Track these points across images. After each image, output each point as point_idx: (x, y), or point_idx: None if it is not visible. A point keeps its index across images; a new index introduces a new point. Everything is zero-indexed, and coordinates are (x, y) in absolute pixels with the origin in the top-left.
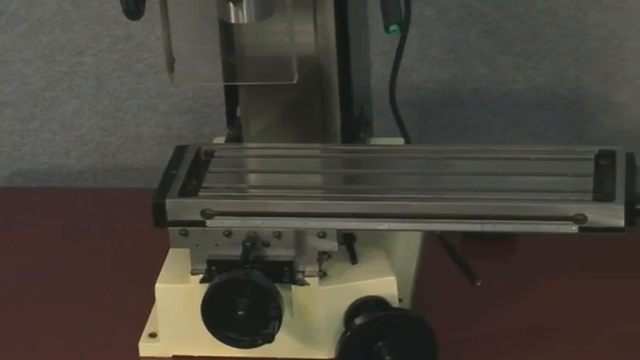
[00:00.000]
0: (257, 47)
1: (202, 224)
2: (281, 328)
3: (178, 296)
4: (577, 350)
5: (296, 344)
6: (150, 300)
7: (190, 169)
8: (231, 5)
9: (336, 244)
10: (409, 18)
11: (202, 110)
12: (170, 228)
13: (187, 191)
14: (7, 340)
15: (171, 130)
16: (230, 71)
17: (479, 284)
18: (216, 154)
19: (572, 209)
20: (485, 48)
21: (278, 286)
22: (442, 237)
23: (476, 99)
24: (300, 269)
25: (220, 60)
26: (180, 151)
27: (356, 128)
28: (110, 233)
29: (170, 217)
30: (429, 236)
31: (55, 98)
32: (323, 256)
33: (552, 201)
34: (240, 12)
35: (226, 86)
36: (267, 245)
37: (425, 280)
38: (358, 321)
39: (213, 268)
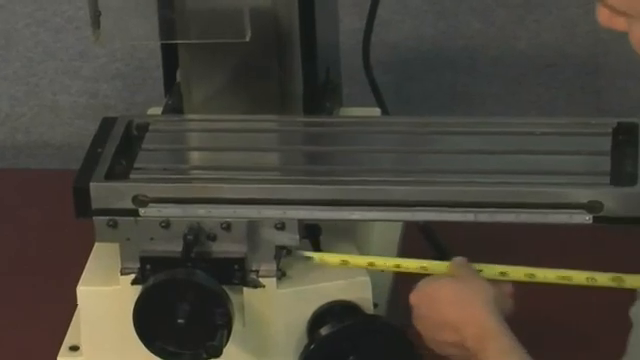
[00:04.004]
0: None
1: (134, 213)
2: (230, 340)
3: (105, 301)
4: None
5: (249, 359)
6: (71, 306)
7: (119, 146)
8: None
9: (297, 237)
10: None
11: (134, 75)
12: (95, 218)
13: (116, 173)
14: None
15: (96, 99)
16: (168, 27)
17: None
18: (151, 128)
19: (585, 195)
20: None
21: (227, 288)
22: (426, 229)
23: (468, 60)
24: (254, 268)
25: (156, 14)
26: (107, 124)
27: (322, 96)
28: (22, 224)
29: (95, 205)
30: (410, 228)
31: None
32: (282, 252)
33: (561, 185)
34: None
35: (163, 46)
36: (213, 239)
37: (405, 282)
38: (324, 331)
39: (147, 267)
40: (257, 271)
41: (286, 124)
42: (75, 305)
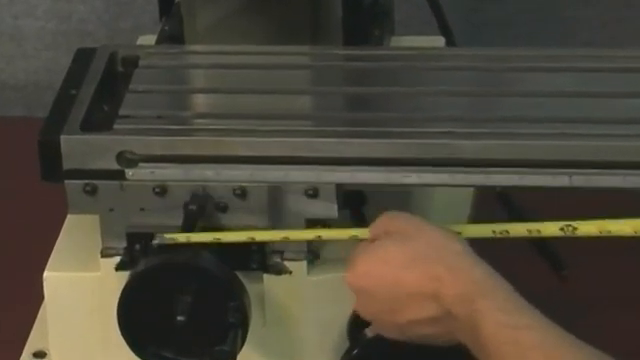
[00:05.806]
0: None
1: (119, 175)
2: (247, 342)
3: (80, 292)
4: None
5: None
6: (35, 298)
7: (100, 87)
8: None
9: (335, 207)
10: None
11: None
12: (67, 182)
13: (95, 122)
14: None
15: (69, 24)
16: None
17: (566, 274)
18: (141, 63)
19: None
20: None
21: (241, 275)
22: (505, 197)
23: None
24: (277, 248)
25: None
26: (84, 57)
27: (367, 21)
28: None
29: (68, 164)
30: (484, 195)
31: None
32: (315, 227)
33: None
34: None
35: None
36: (224, 209)
37: None
38: (370, 331)
39: (137, 247)
40: (281, 252)
41: (321, 58)
42: (41, 298)
